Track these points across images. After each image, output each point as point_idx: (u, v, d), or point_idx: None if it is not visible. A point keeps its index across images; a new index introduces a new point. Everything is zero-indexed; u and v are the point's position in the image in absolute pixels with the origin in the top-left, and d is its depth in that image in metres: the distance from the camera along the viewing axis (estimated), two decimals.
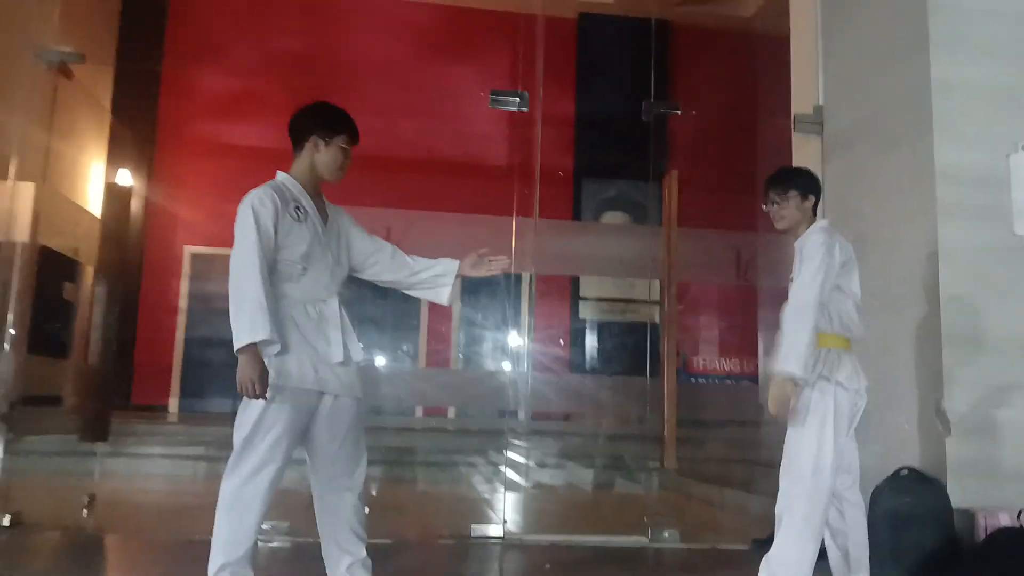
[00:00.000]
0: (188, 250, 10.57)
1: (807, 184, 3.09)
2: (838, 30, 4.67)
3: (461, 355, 11.05)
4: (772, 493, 2.96)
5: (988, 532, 3.27)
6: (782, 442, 3.01)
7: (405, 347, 10.76)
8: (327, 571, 2.81)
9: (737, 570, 3.34)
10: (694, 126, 7.73)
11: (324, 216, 2.85)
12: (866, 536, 2.98)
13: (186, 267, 10.64)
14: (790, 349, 2.78)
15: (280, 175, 2.83)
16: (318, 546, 2.83)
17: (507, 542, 4.04)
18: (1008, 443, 3.55)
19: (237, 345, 2.54)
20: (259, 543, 2.69)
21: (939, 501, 3.42)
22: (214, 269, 10.73)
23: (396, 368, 10.17)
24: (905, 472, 3.51)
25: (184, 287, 10.60)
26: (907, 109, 3.95)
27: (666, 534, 4.18)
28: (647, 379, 5.52)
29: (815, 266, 2.84)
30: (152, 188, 10.19)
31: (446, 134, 10.45)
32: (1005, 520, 3.30)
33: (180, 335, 10.51)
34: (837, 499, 2.96)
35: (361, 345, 2.86)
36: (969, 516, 3.39)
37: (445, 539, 4.09)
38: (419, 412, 10.12)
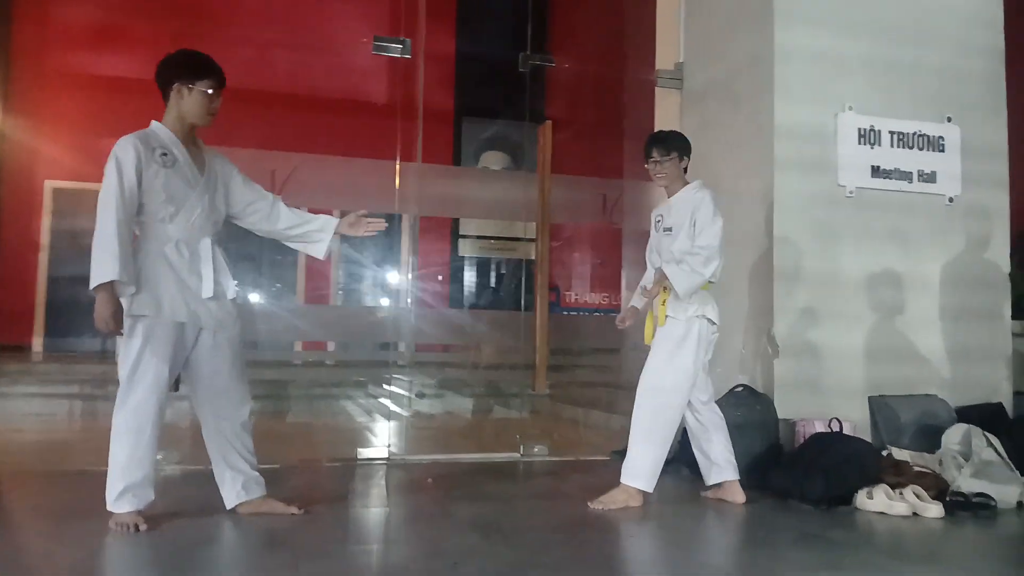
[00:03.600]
0: (49, 185, 10.11)
1: (684, 147, 3.55)
2: None
3: (340, 292, 11.17)
4: (630, 411, 3.44)
5: (805, 437, 3.87)
6: (639, 366, 3.49)
7: (281, 284, 10.76)
8: (222, 494, 3.06)
9: (595, 475, 3.79)
10: (571, 72, 8.03)
11: (200, 162, 3.02)
12: (729, 441, 3.53)
13: (48, 203, 10.19)
14: (694, 282, 3.34)
15: (153, 124, 2.98)
16: (208, 472, 3.07)
17: (391, 463, 4.37)
18: (824, 363, 4.16)
19: (91, 285, 2.74)
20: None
21: (767, 413, 3.99)
22: (80, 205, 10.31)
23: (275, 305, 10.20)
24: (740, 389, 4.06)
25: (46, 223, 10.17)
26: (753, 71, 4.40)
27: (536, 449, 4.63)
28: (522, 312, 5.93)
29: (720, 222, 3.37)
30: (8, 121, 9.65)
31: (326, 71, 10.34)
32: (820, 427, 3.89)
33: (43, 273, 10.13)
34: (695, 410, 3.48)
35: (235, 283, 3.07)
36: (791, 425, 3.98)
37: (331, 462, 4.36)
38: (298, 347, 10.22)
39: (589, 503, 3.33)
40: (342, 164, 5.42)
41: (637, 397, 3.42)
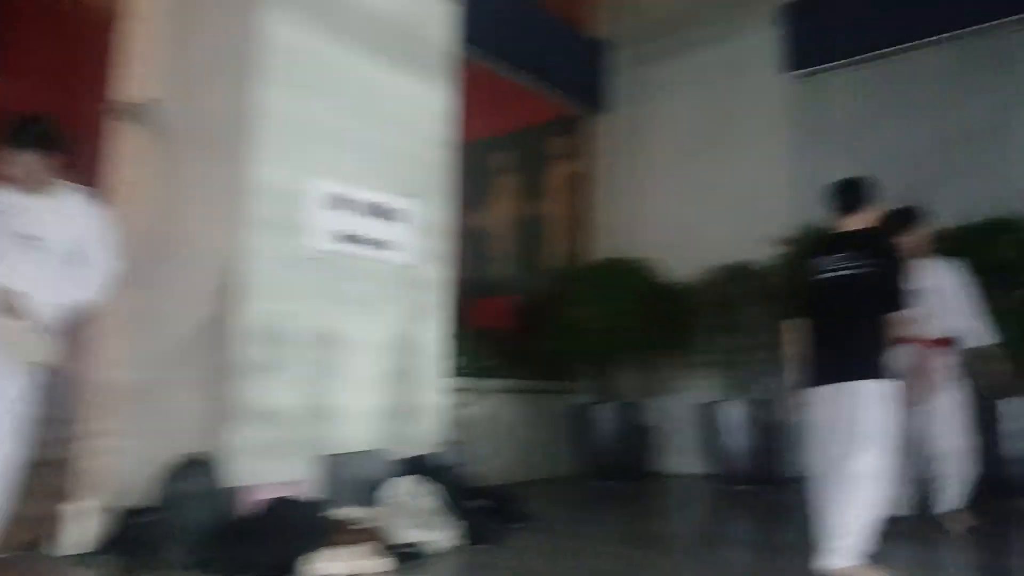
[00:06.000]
0: None
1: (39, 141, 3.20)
2: (180, 29, 4.70)
3: None
4: None
5: (257, 504, 3.75)
6: None
7: None
8: None
9: None
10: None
11: None
12: None
13: None
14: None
15: None
16: None
17: None
18: (280, 424, 4.11)
19: None
20: None
21: (216, 482, 3.76)
22: None
23: None
24: (189, 457, 3.77)
25: None
26: (231, 126, 4.26)
27: None
28: None
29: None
30: None
31: None
32: (272, 492, 3.81)
33: None
34: None
35: None
36: (244, 492, 3.82)
37: None
38: None
39: None
40: None
41: None
